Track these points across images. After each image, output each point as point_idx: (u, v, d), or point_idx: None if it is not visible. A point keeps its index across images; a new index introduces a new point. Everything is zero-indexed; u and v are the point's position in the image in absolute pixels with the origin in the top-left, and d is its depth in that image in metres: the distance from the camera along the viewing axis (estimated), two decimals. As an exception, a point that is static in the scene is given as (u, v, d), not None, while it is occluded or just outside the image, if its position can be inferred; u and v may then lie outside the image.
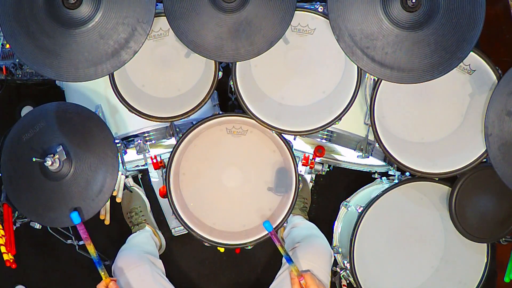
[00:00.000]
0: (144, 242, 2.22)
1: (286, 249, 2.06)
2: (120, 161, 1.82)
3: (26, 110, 2.45)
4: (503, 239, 1.98)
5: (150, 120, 1.85)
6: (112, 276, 1.99)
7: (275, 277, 1.98)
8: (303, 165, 2.11)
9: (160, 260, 2.10)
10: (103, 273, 1.73)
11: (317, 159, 2.19)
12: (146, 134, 1.94)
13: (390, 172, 2.09)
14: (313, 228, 2.21)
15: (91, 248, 1.69)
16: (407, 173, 1.98)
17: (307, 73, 1.87)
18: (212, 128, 1.92)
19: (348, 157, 2.22)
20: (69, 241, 2.19)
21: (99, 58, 1.66)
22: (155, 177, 2.41)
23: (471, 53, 1.74)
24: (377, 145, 1.87)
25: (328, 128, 1.88)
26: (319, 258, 1.94)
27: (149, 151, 1.94)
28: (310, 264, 1.93)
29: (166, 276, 2.04)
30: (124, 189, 2.17)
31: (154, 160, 2.02)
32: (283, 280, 1.93)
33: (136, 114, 1.84)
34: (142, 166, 2.21)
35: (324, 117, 1.85)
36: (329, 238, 2.18)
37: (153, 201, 2.45)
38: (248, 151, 1.95)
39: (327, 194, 2.52)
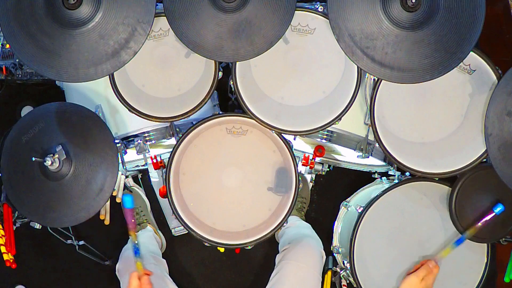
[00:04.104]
0: (147, 241, 2.22)
1: (279, 249, 2.07)
2: (120, 161, 1.83)
3: (26, 110, 2.46)
4: (503, 239, 1.97)
5: (150, 120, 1.85)
6: (116, 276, 2.00)
7: (269, 279, 1.98)
8: (303, 165, 2.11)
9: (164, 260, 2.11)
10: (140, 264, 1.70)
11: (317, 159, 2.19)
12: (146, 134, 1.94)
13: (390, 172, 2.09)
14: (306, 228, 2.21)
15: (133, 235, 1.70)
16: (407, 173, 1.98)
17: (307, 73, 1.87)
18: (212, 128, 1.92)
19: (348, 157, 2.22)
20: (69, 241, 2.20)
21: (99, 58, 1.66)
22: (155, 177, 2.41)
23: (471, 53, 1.74)
24: (377, 145, 1.87)
25: (328, 128, 1.88)
26: (308, 259, 1.95)
27: (149, 151, 1.94)
28: (299, 265, 1.94)
29: (166, 276, 2.04)
30: (124, 189, 2.17)
31: (154, 160, 2.02)
32: (277, 281, 1.93)
33: (136, 114, 1.84)
34: (142, 166, 2.21)
35: (324, 117, 1.85)
36: (329, 238, 2.18)
37: (153, 201, 2.46)
38: (248, 151, 1.95)
39: (327, 194, 2.52)
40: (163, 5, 1.71)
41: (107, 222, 2.14)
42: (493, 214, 1.80)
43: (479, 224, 1.82)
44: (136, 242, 1.69)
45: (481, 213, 1.85)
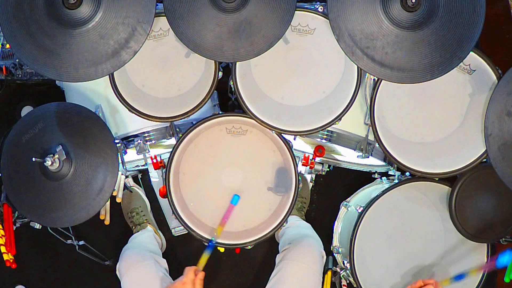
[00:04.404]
0: (147, 241, 2.22)
1: (279, 249, 2.07)
2: (120, 161, 1.83)
3: (26, 110, 2.45)
4: (503, 239, 1.98)
5: (150, 120, 1.85)
6: (116, 276, 2.00)
7: (269, 278, 1.98)
8: (303, 165, 2.11)
9: (164, 259, 2.11)
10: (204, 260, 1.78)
11: (317, 159, 2.18)
12: (146, 134, 1.94)
13: (390, 172, 2.09)
14: (307, 228, 2.21)
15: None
16: (407, 173, 1.98)
17: (307, 73, 1.87)
18: (212, 128, 1.92)
19: (348, 157, 2.22)
20: (69, 241, 2.19)
21: (99, 58, 1.66)
22: (155, 177, 2.41)
23: (471, 53, 1.74)
24: (377, 145, 1.87)
25: (328, 128, 1.88)
26: (309, 259, 1.95)
27: (149, 151, 1.94)
28: (300, 265, 1.93)
29: (166, 276, 2.04)
30: (124, 189, 2.17)
31: (154, 160, 2.02)
32: (277, 281, 1.93)
33: (136, 114, 1.84)
34: (142, 166, 2.21)
35: (324, 117, 1.85)
36: (329, 238, 2.18)
37: (153, 201, 2.45)
38: (248, 151, 1.95)
39: (327, 194, 2.52)
40: (163, 5, 1.71)
41: (107, 222, 2.13)
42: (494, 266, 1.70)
43: (485, 268, 1.83)
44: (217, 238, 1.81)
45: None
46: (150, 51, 1.85)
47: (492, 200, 1.86)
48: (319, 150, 2.03)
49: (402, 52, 1.67)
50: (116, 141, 1.84)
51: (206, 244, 1.90)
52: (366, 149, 1.94)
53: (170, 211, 1.92)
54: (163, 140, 1.98)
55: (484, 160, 1.85)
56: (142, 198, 2.42)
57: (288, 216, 1.89)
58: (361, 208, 1.94)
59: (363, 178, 2.28)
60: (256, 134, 1.93)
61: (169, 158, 1.88)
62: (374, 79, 1.82)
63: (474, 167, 1.86)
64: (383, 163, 2.08)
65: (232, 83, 1.83)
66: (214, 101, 2.17)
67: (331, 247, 2.16)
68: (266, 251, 2.46)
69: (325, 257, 2.02)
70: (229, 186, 1.95)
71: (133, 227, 2.35)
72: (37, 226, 1.98)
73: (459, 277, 1.77)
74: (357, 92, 1.82)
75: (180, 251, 2.47)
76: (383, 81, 1.78)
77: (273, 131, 1.86)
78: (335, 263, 2.17)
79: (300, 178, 1.90)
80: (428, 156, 1.89)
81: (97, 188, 1.75)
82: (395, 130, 1.90)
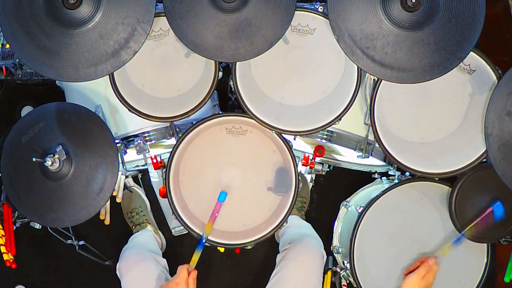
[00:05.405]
0: (147, 241, 2.22)
1: (279, 249, 2.07)
2: (120, 161, 1.83)
3: (26, 110, 2.46)
4: (503, 239, 1.97)
5: (150, 120, 1.85)
6: (116, 276, 2.00)
7: (270, 278, 1.98)
8: (303, 165, 2.11)
9: (164, 259, 2.11)
10: (196, 258, 1.81)
11: (317, 159, 2.19)
12: (146, 134, 1.94)
13: (390, 172, 2.09)
14: (307, 228, 2.21)
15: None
16: (407, 173, 1.98)
17: (307, 73, 1.88)
18: (212, 128, 1.92)
19: (348, 157, 2.22)
20: (69, 241, 2.19)
21: (99, 58, 1.66)
22: (155, 177, 2.41)
23: (471, 53, 1.74)
24: (377, 145, 1.87)
25: (328, 128, 1.88)
26: (309, 258, 1.95)
27: (149, 151, 1.94)
28: (300, 265, 1.94)
29: (166, 276, 2.04)
30: (124, 189, 2.17)
31: (154, 160, 2.02)
32: (278, 281, 1.93)
33: (136, 114, 1.84)
34: (142, 166, 2.21)
35: (324, 117, 1.85)
36: (329, 238, 2.18)
37: (153, 201, 2.46)
38: (248, 151, 1.95)
39: (327, 194, 2.52)
40: (163, 5, 1.71)
41: (107, 222, 2.14)
42: (490, 209, 1.80)
43: (477, 220, 1.82)
44: (207, 236, 1.83)
45: (481, 212, 1.85)
46: (150, 51, 1.85)
47: (492, 200, 1.86)
48: (319, 150, 2.03)
49: (402, 52, 1.67)
50: (116, 141, 1.84)
51: (206, 244, 1.90)
52: (366, 149, 1.94)
53: (170, 211, 1.92)
54: (163, 140, 1.98)
55: (484, 160, 1.85)
56: (142, 198, 2.42)
57: (288, 216, 1.89)
58: (361, 208, 1.94)
59: (363, 178, 2.28)
60: (256, 134, 1.93)
61: (169, 158, 1.88)
62: (374, 79, 1.82)
63: (474, 167, 1.85)
64: (383, 163, 2.08)
65: (232, 83, 1.83)
66: (214, 101, 2.17)
67: (331, 247, 2.16)
68: (266, 251, 2.46)
69: (325, 256, 2.03)
70: (229, 186, 1.95)
71: (133, 227, 2.35)
72: (37, 226, 1.99)
73: (458, 239, 1.84)
74: (357, 92, 1.82)
75: (180, 251, 2.47)
76: (383, 81, 1.78)
77: (273, 131, 1.86)
78: (335, 263, 2.17)
79: (300, 178, 1.89)
80: (428, 156, 1.89)
81: (97, 188, 1.75)
82: (395, 130, 1.90)
